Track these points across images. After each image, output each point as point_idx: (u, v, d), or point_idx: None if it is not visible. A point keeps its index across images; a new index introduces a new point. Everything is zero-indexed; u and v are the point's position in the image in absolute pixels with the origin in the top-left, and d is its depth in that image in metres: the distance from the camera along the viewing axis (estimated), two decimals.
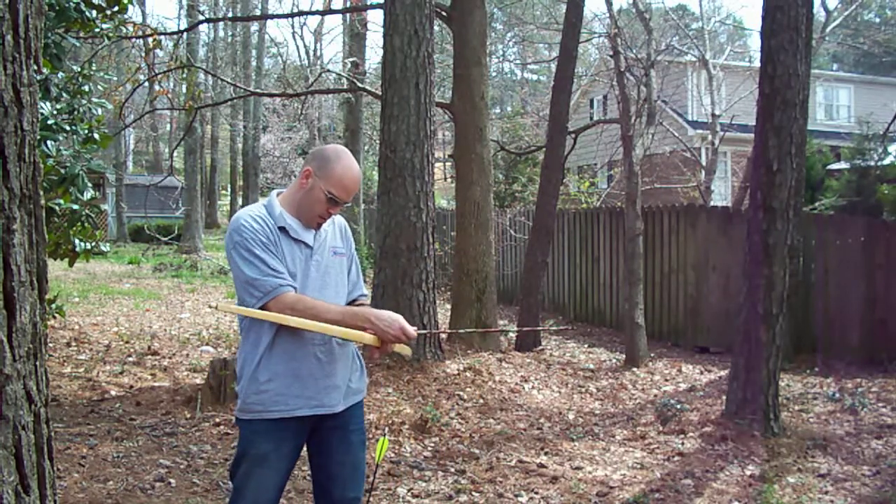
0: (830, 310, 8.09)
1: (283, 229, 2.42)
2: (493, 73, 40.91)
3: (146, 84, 11.73)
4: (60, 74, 5.38)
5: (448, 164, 27.64)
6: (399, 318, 2.36)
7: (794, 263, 5.86)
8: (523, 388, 6.67)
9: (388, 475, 4.46)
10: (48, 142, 4.83)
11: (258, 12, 26.21)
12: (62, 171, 5.00)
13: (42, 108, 4.74)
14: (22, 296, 1.59)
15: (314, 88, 13.75)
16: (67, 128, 5.16)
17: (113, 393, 6.08)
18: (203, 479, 4.29)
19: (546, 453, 5.03)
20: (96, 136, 5.46)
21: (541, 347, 8.60)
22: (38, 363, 1.65)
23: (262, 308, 2.33)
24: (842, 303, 8.06)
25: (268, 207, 2.46)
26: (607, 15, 9.35)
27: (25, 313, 1.60)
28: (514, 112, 23.53)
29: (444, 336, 7.79)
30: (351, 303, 2.61)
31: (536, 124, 19.80)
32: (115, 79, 10.09)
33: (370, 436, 5.01)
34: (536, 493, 4.30)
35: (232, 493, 2.48)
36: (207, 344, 8.22)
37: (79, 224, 5.41)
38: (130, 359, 7.26)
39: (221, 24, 29.17)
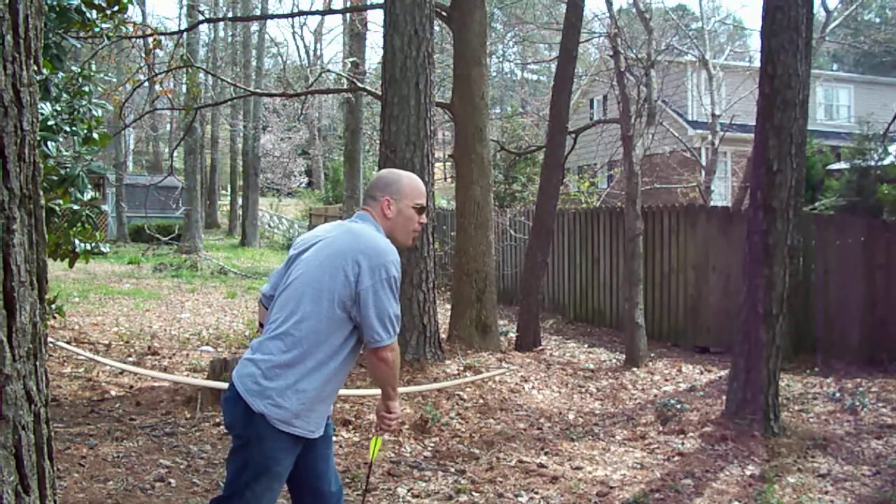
0: (830, 310, 8.08)
1: None
2: (493, 73, 40.87)
3: (146, 84, 11.73)
4: (60, 75, 5.38)
5: (448, 164, 27.61)
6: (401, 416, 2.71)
7: (794, 263, 5.86)
8: (523, 388, 6.67)
9: (388, 475, 4.46)
10: (48, 142, 4.83)
11: (258, 12, 26.19)
12: (62, 171, 5.00)
13: (42, 108, 4.73)
14: (22, 296, 1.60)
15: (314, 88, 13.74)
16: (67, 128, 5.16)
17: (113, 393, 6.08)
18: (203, 479, 4.29)
19: (546, 453, 5.03)
20: (95, 135, 5.45)
21: (541, 347, 8.60)
22: (38, 363, 1.65)
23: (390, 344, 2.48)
24: (842, 303, 8.06)
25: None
26: (607, 15, 9.34)
27: (25, 313, 1.60)
28: (514, 112, 23.49)
29: (443, 335, 7.79)
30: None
31: (536, 124, 19.78)
32: (115, 80, 10.08)
33: (369, 435, 5.01)
34: (536, 493, 4.30)
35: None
36: (207, 344, 8.22)
37: (79, 225, 5.42)
38: (130, 359, 7.26)
39: (221, 24, 29.18)
